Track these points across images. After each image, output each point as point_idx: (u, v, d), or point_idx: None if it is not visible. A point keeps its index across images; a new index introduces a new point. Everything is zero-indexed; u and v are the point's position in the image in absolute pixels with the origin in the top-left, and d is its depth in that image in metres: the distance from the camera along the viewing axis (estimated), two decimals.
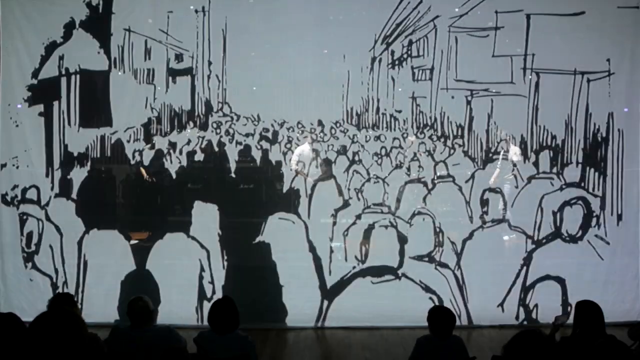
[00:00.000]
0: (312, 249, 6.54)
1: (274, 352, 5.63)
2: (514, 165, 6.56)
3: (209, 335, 3.96)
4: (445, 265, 6.62)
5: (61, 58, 6.59)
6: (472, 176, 6.68)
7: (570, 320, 4.14)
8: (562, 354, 3.68)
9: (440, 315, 4.02)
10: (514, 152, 6.55)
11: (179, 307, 6.18)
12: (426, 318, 4.02)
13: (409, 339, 5.48)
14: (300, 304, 6.33)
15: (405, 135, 6.74)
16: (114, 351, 3.92)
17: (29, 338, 2.63)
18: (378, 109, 6.73)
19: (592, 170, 6.64)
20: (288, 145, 6.66)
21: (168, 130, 6.74)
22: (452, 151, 6.74)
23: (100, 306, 6.12)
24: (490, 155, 6.66)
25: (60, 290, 6.42)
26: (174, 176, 6.69)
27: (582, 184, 6.64)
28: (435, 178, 6.70)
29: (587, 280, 6.34)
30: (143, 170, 6.55)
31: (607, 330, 3.91)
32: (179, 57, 6.65)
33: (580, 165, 6.64)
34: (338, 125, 6.70)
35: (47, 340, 2.53)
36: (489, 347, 5.31)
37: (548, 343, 3.01)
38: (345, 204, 6.68)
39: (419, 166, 6.74)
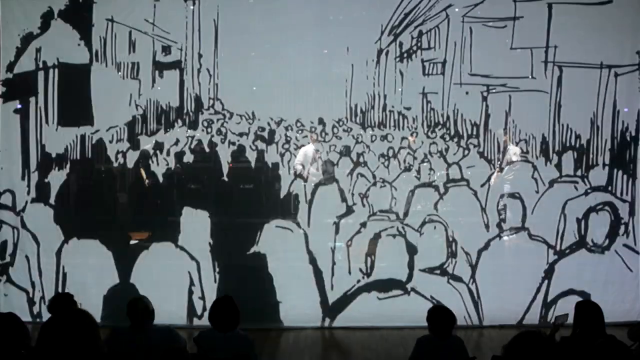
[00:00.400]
0: (312, 260, 8.04)
1: (274, 352, 7.23)
2: (514, 165, 8.06)
3: (210, 333, 5.14)
4: (459, 279, 8.03)
5: (38, 50, 8.03)
6: (489, 179, 8.06)
7: (570, 320, 5.27)
8: (562, 354, 4.82)
9: (439, 315, 5.10)
10: (514, 152, 8.08)
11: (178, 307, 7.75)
12: (426, 318, 5.14)
13: (409, 339, 7.05)
14: (300, 303, 7.92)
15: (415, 134, 8.12)
16: (114, 351, 4.88)
17: (45, 339, 3.51)
18: (385, 105, 8.10)
19: (620, 172, 8.07)
20: (286, 146, 8.15)
21: (154, 129, 8.15)
22: (466, 152, 8.11)
23: (100, 307, 7.62)
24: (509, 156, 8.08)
25: (36, 305, 7.82)
26: (160, 179, 8.15)
27: (610, 188, 8.07)
28: (448, 182, 8.07)
29: (587, 280, 7.94)
30: (143, 172, 8.13)
31: (607, 330, 4.95)
32: (166, 50, 8.10)
33: (607, 167, 8.07)
34: (341, 123, 8.10)
35: (65, 341, 3.16)
36: (489, 347, 6.78)
37: (549, 344, 3.61)
38: (349, 211, 8.10)
39: (430, 169, 8.12)
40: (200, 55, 8.08)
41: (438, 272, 8.04)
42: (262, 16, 8.00)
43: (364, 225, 8.06)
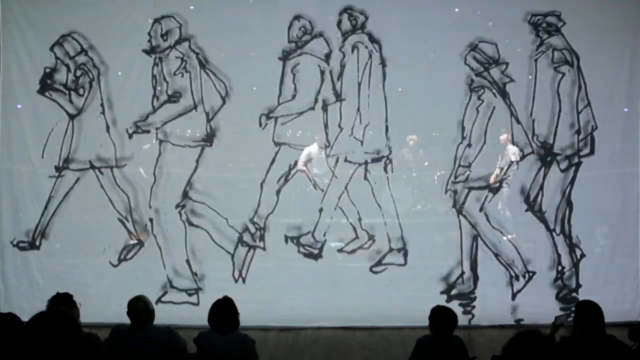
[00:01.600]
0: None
1: (274, 352, 7.22)
2: (513, 164, 8.08)
3: (209, 335, 5.17)
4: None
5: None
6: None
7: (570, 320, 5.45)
8: (562, 354, 4.85)
9: (442, 315, 5.20)
10: (512, 152, 8.09)
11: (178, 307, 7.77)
12: (428, 317, 5.22)
13: (409, 339, 7.09)
14: (300, 303, 7.96)
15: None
16: (114, 351, 5.09)
17: (24, 339, 3.15)
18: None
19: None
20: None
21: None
22: None
23: (100, 306, 7.63)
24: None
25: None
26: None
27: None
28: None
29: (587, 280, 7.96)
30: (141, 171, 8.10)
31: (607, 330, 5.03)
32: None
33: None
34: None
35: (41, 341, 3.05)
36: (489, 347, 6.75)
37: (547, 343, 3.49)
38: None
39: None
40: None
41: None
42: (262, 16, 8.01)
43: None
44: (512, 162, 8.07)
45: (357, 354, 7.24)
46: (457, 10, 8.06)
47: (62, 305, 5.16)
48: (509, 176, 8.10)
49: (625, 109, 8.07)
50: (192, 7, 8.05)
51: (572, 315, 5.39)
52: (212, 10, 8.04)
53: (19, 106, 8.11)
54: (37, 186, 8.10)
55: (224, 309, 5.21)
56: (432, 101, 8.08)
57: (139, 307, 5.29)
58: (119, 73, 8.07)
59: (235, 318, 5.21)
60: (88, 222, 8.14)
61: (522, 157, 8.03)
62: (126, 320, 5.30)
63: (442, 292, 8.02)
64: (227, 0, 8.08)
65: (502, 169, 8.10)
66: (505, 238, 8.12)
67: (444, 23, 8.03)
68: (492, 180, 8.09)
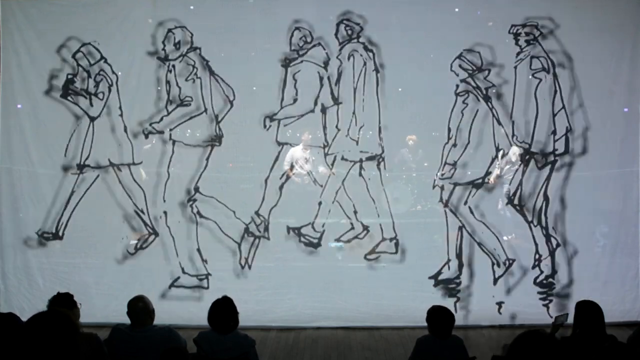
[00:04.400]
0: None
1: (274, 352, 7.24)
2: (513, 165, 8.09)
3: (209, 335, 5.18)
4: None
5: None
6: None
7: (570, 320, 5.35)
8: (562, 354, 4.87)
9: (439, 315, 5.21)
10: (513, 152, 8.10)
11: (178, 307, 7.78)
12: (425, 318, 5.23)
13: (409, 339, 7.10)
14: (300, 303, 8.00)
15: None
16: (114, 351, 5.10)
17: (22, 339, 3.26)
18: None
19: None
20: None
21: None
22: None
23: (100, 306, 7.66)
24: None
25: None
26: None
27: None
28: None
29: (587, 280, 7.94)
30: (142, 171, 8.14)
31: (607, 330, 5.08)
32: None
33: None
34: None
35: (39, 342, 3.16)
36: (489, 347, 6.75)
37: (552, 344, 3.58)
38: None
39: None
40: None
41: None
42: (262, 16, 8.00)
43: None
44: (512, 162, 8.04)
45: (357, 354, 7.22)
46: (457, 10, 8.04)
47: (63, 305, 5.22)
48: (509, 176, 8.06)
49: (625, 109, 8.03)
50: (192, 7, 8.04)
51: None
52: (212, 10, 7.99)
53: (19, 106, 8.09)
54: (37, 186, 8.07)
55: (223, 309, 5.21)
56: (432, 101, 8.04)
57: (139, 307, 5.28)
58: (119, 73, 8.05)
59: (235, 318, 5.20)
60: (89, 222, 8.11)
61: (521, 158, 7.99)
62: (126, 320, 5.25)
63: (441, 293, 7.99)
64: (227, 1, 8.01)
65: (502, 169, 8.07)
66: (505, 238, 8.08)
67: (443, 23, 7.98)
68: (491, 180, 8.04)
